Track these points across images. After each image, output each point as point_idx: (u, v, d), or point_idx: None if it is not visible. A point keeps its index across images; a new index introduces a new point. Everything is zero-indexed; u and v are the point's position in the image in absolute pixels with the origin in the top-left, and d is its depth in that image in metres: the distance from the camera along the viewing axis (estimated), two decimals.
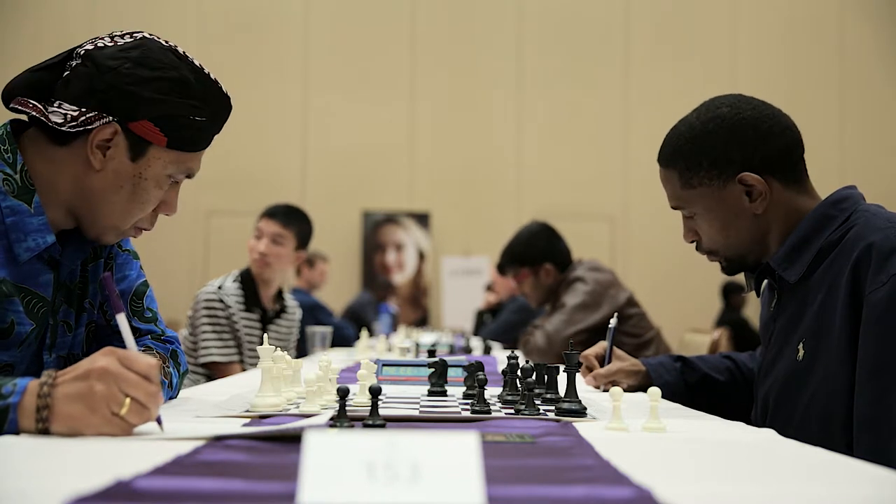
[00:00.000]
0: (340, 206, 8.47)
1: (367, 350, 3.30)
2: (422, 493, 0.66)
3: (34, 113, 1.33)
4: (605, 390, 1.86)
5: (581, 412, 1.33)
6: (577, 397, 1.35)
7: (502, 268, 3.70)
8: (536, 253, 3.50)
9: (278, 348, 1.44)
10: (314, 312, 4.65)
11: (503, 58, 8.73)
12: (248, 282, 3.40)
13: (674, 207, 1.69)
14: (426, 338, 3.95)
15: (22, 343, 1.37)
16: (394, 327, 6.02)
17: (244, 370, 3.30)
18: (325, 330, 3.32)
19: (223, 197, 8.37)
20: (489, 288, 6.42)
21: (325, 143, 8.46)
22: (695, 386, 1.89)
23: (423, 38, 8.72)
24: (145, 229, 1.45)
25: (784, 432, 1.23)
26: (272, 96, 8.47)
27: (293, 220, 3.46)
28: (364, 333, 3.47)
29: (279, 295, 3.50)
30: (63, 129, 1.32)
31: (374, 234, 8.57)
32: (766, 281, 1.69)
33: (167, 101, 1.33)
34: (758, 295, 1.74)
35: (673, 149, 1.64)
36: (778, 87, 8.52)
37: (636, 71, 8.77)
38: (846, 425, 1.41)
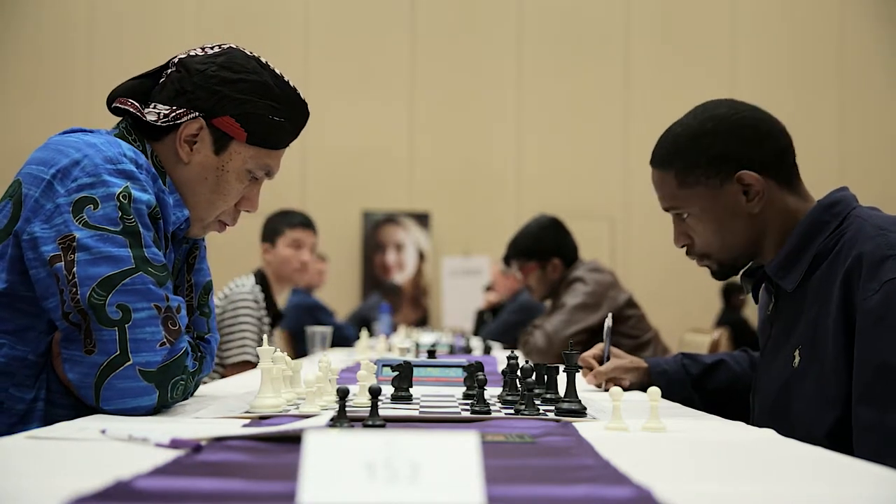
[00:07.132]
0: (340, 206, 8.46)
1: (367, 350, 3.30)
2: (422, 493, 0.66)
3: (132, 110, 1.46)
4: (606, 389, 1.86)
5: (581, 412, 1.33)
6: (577, 397, 1.35)
7: (508, 259, 3.65)
8: (545, 247, 3.47)
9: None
10: (314, 313, 4.64)
11: (503, 57, 8.73)
12: (264, 283, 3.52)
13: (666, 209, 1.67)
14: (426, 338, 3.94)
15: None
16: (393, 327, 6.01)
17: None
18: (325, 330, 3.31)
19: None
20: (489, 288, 6.41)
21: (325, 143, 8.44)
22: (697, 377, 1.88)
23: (423, 37, 8.72)
24: (228, 224, 1.57)
25: None
26: None
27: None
28: (364, 334, 3.47)
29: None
30: (156, 124, 1.45)
31: (374, 234, 8.57)
32: (763, 284, 1.69)
33: (248, 101, 1.45)
34: (755, 300, 1.73)
35: (669, 149, 1.63)
36: (778, 87, 8.52)
37: (636, 70, 8.77)
38: (831, 433, 1.41)
